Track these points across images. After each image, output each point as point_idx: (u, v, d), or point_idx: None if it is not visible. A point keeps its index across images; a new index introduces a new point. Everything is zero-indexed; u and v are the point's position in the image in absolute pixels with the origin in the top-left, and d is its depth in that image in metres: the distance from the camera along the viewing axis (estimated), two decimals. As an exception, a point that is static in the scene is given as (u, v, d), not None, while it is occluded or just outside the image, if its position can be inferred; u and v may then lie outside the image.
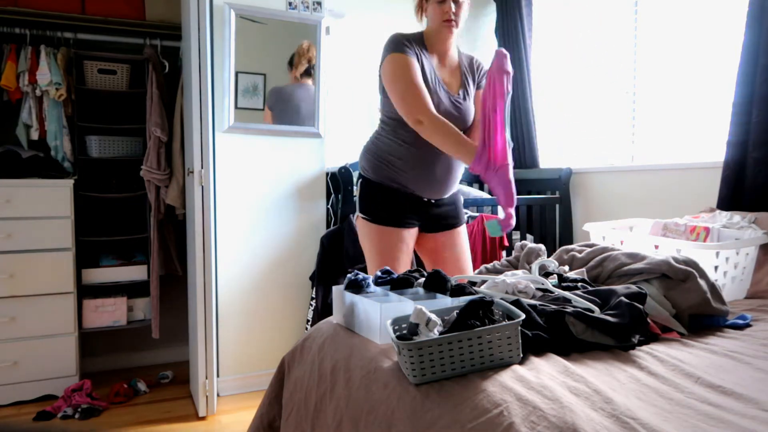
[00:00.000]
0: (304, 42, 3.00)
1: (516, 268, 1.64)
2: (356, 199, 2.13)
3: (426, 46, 1.99)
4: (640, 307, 1.23)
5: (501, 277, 1.42)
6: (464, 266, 2.11)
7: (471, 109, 2.05)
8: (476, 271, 1.71)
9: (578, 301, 1.25)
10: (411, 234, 2.03)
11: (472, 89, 2.07)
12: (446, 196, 2.07)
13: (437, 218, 2.07)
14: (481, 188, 3.50)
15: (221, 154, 2.86)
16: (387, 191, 1.99)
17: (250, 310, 2.96)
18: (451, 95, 2.00)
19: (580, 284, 1.43)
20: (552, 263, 1.54)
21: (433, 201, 2.04)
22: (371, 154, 2.03)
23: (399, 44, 1.92)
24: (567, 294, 1.30)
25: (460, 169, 2.06)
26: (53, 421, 2.57)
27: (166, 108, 3.09)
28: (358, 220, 2.07)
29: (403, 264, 2.00)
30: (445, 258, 2.09)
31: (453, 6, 1.92)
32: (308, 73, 3.02)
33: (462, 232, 2.14)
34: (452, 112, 1.98)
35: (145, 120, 3.08)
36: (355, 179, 2.17)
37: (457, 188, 2.14)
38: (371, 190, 2.02)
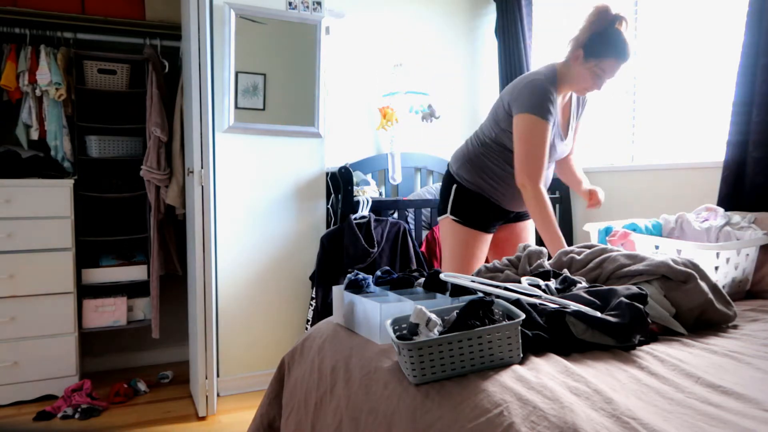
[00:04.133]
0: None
1: (516, 268, 1.64)
2: (449, 201, 2.23)
3: (557, 84, 2.05)
4: (641, 307, 1.22)
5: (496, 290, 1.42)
6: None
7: (571, 144, 2.22)
8: (475, 270, 1.71)
9: (578, 306, 1.25)
10: (490, 239, 2.24)
11: (575, 124, 2.20)
12: None
13: (514, 216, 2.30)
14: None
15: (221, 154, 2.85)
16: (480, 200, 2.17)
17: (250, 310, 2.95)
18: (562, 139, 2.13)
19: (578, 284, 1.42)
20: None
21: (516, 212, 2.27)
22: (473, 167, 2.16)
23: (545, 108, 1.97)
24: (564, 301, 1.29)
25: None
26: (53, 421, 2.57)
27: (166, 108, 3.08)
28: (446, 221, 2.24)
29: (479, 265, 2.15)
30: (510, 245, 2.30)
31: (607, 83, 2.00)
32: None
33: (529, 224, 2.34)
34: (559, 155, 2.16)
35: (145, 120, 3.08)
36: (442, 179, 2.34)
37: None
38: (466, 197, 2.18)
